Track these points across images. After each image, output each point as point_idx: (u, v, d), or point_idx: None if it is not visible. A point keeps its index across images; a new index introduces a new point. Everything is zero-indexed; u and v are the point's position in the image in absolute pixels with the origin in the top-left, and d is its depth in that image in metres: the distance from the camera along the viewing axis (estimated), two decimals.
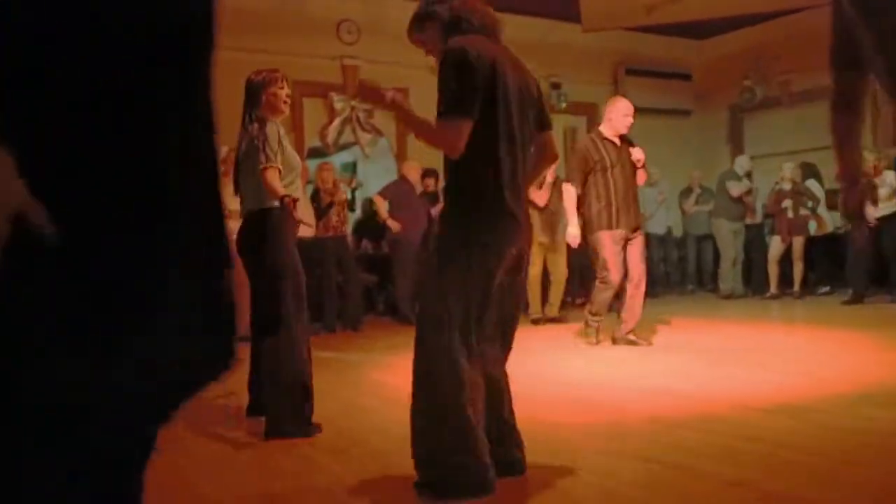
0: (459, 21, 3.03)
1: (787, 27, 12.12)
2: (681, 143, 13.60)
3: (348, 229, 9.50)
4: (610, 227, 6.37)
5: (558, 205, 7.94)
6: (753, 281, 11.61)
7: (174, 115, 0.89)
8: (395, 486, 3.00)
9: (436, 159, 10.27)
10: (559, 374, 5.51)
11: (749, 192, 11.14)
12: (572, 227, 6.79)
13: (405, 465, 3.05)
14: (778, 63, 12.53)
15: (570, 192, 6.69)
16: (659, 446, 3.42)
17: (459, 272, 2.74)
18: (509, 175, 2.83)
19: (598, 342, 6.65)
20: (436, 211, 9.74)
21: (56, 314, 0.80)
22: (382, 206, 9.19)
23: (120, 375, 0.85)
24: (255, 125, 4.03)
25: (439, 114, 2.79)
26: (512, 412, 3.03)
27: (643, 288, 6.54)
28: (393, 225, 9.06)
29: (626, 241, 6.45)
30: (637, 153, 6.51)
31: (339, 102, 10.47)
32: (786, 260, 10.85)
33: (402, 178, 9.63)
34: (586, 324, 6.77)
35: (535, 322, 8.64)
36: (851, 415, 3.96)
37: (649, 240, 12.09)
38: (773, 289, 10.88)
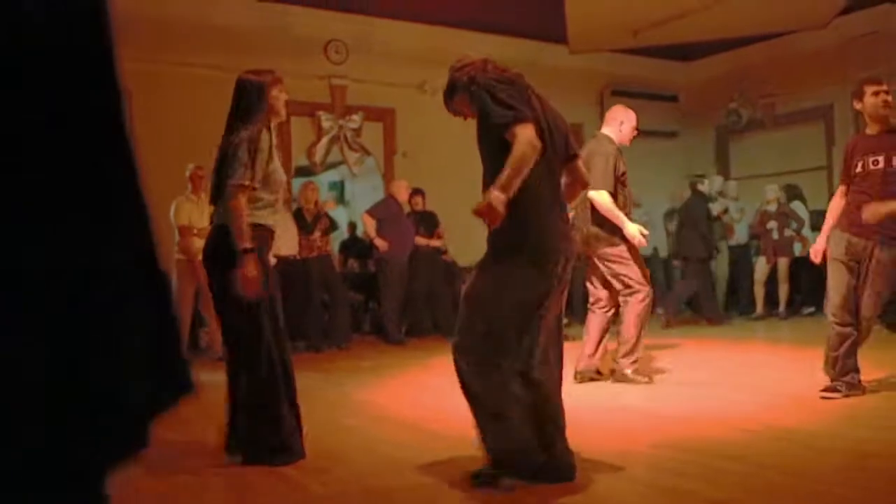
0: (473, 81, 3.32)
1: (772, 50, 12.24)
2: (667, 165, 13.68)
3: (333, 249, 9.50)
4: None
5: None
6: (739, 302, 11.66)
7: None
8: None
9: (423, 179, 10.32)
10: None
11: (725, 211, 11.20)
12: (632, 226, 5.77)
13: (388, 484, 3.05)
14: (762, 86, 12.65)
15: (606, 197, 5.76)
16: (640, 467, 3.42)
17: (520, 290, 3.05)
18: (553, 194, 3.16)
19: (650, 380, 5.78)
20: (437, 234, 9.75)
21: None
22: (371, 225, 9.20)
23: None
24: (250, 130, 3.67)
25: (505, 126, 2.93)
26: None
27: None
28: (380, 244, 9.07)
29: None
30: None
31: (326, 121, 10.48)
32: (771, 281, 10.90)
33: (391, 197, 9.64)
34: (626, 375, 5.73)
35: None
36: (835, 435, 3.98)
37: None
38: (759, 309, 10.92)
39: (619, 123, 6.08)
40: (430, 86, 11.88)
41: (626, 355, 5.71)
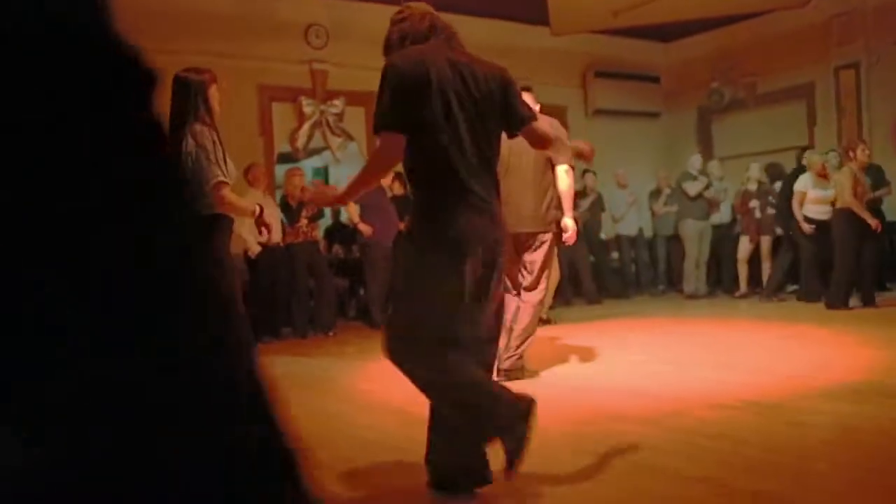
0: (404, 40, 3.09)
1: (753, 30, 12.27)
2: (650, 145, 13.71)
3: (319, 234, 9.48)
4: None
5: None
6: (723, 281, 11.74)
7: None
8: (356, 492, 2.99)
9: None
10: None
11: (707, 187, 11.26)
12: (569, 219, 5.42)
13: (370, 470, 3.06)
14: (744, 65, 12.68)
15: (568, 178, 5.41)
16: (622, 444, 3.44)
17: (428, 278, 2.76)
18: (467, 176, 2.78)
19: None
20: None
21: None
22: (354, 210, 9.17)
23: None
24: (201, 129, 3.84)
25: (374, 131, 2.87)
26: None
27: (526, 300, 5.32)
28: (364, 229, 9.05)
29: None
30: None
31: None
32: (754, 259, 10.97)
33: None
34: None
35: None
36: (815, 411, 4.01)
37: (621, 241, 12.21)
38: (742, 288, 10.99)
39: None
40: None
41: (519, 346, 5.25)
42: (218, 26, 9.55)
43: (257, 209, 3.94)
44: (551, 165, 5.39)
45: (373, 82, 11.03)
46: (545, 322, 8.47)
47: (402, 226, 9.56)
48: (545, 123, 6.03)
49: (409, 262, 2.80)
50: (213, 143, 3.85)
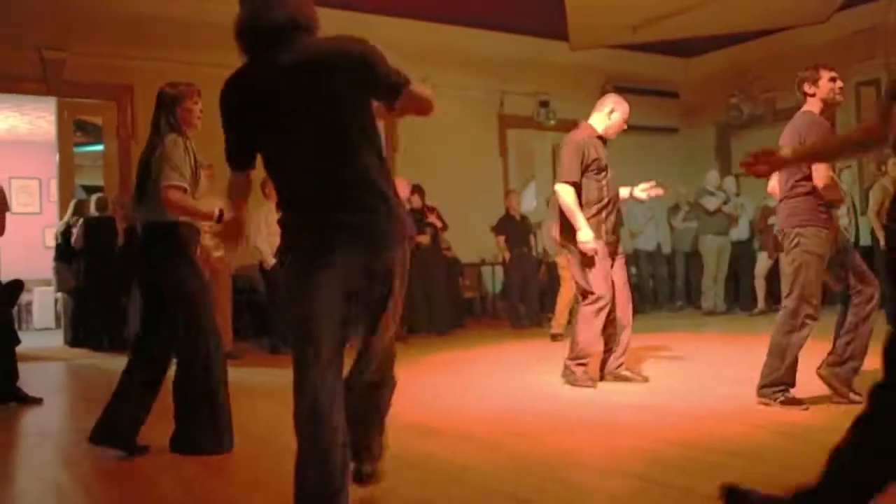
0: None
1: (772, 46, 12.23)
2: (668, 161, 13.68)
3: None
4: (599, 237, 5.47)
5: None
6: (741, 297, 11.67)
7: None
8: (357, 495, 2.98)
9: (423, 175, 10.30)
10: (541, 390, 5.51)
11: (725, 202, 11.23)
12: (585, 233, 5.40)
13: (383, 480, 3.06)
14: (763, 81, 12.64)
15: (567, 194, 5.49)
16: (641, 462, 3.43)
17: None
18: (304, 191, 2.56)
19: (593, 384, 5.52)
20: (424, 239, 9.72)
21: None
22: None
23: None
24: (174, 138, 3.92)
25: None
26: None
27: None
28: None
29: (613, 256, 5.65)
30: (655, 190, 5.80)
31: None
32: (773, 276, 10.90)
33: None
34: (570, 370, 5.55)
35: (555, 338, 8.44)
36: (834, 430, 3.97)
37: (639, 256, 12.17)
38: (760, 304, 10.93)
39: (609, 112, 5.68)
40: (431, 83, 11.90)
41: (572, 358, 5.52)
42: (230, 37, 9.60)
43: (216, 212, 3.80)
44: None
45: None
46: (556, 337, 8.45)
47: (418, 237, 9.56)
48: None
49: None
50: (184, 150, 3.90)
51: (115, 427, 3.89)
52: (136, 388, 3.93)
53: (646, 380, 5.59)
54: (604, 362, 5.70)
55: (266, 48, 2.66)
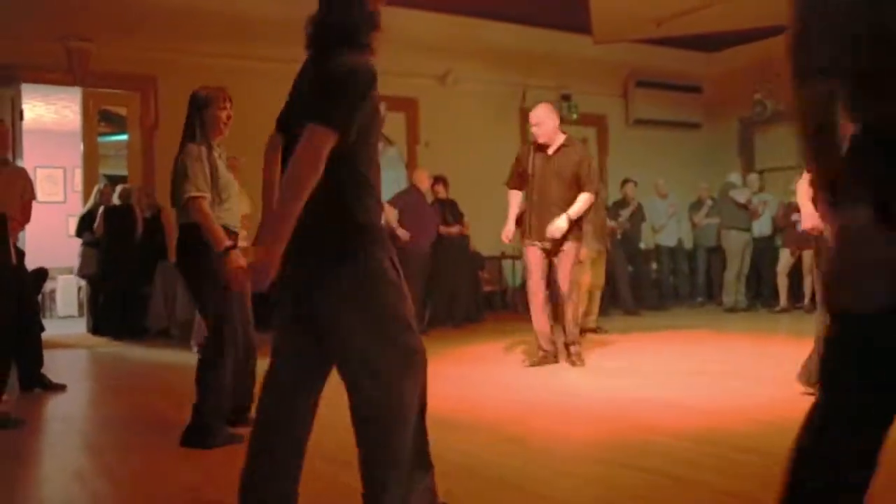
0: None
1: None
2: (690, 156, 13.62)
3: None
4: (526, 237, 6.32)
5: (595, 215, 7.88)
6: (763, 294, 11.61)
7: None
8: None
9: (445, 168, 10.30)
10: (559, 384, 5.53)
11: (750, 200, 11.18)
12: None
13: None
14: (788, 77, 12.52)
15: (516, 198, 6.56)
16: (657, 457, 3.43)
17: None
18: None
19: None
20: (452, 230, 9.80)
21: None
22: (392, 214, 9.21)
23: None
24: (190, 147, 3.97)
25: None
26: None
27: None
28: (402, 234, 9.08)
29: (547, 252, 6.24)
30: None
31: None
32: (796, 273, 10.84)
33: (413, 187, 9.65)
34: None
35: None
36: None
37: (660, 251, 12.12)
38: (782, 302, 10.87)
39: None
40: (453, 76, 11.91)
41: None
42: (260, 30, 9.66)
43: (227, 243, 3.82)
44: (577, 186, 6.16)
45: (414, 88, 11.18)
46: (593, 331, 8.47)
47: (442, 229, 9.62)
48: (576, 150, 6.21)
49: None
50: (200, 160, 3.92)
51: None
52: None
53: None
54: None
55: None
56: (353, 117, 2.48)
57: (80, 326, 10.33)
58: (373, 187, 2.58)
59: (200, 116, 4.03)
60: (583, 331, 8.54)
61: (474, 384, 5.70)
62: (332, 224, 2.45)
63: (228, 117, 4.09)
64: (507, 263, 12.19)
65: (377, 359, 2.43)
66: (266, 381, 2.54)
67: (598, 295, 8.82)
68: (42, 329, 6.15)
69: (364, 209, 2.50)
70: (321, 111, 2.42)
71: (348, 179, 2.50)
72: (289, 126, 2.62)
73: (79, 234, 9.90)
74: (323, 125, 2.39)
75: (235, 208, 4.15)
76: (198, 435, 3.89)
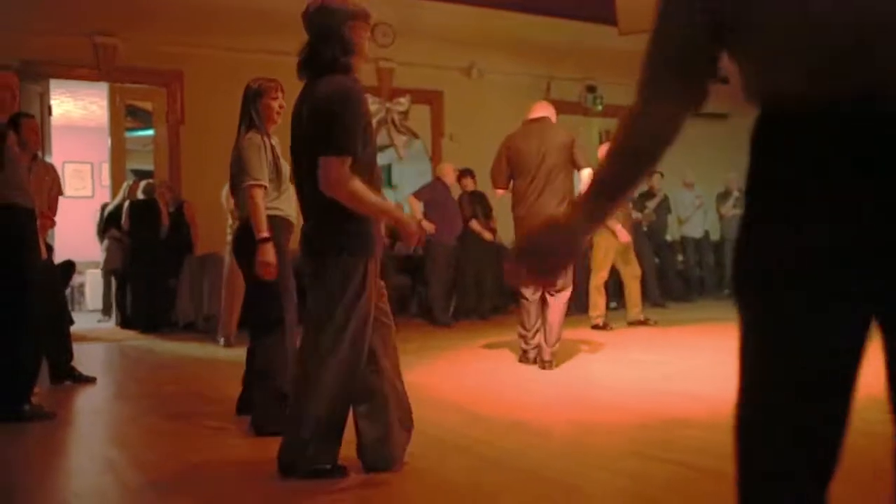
0: None
1: None
2: (717, 147, 13.46)
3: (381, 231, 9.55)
4: None
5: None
6: None
7: None
8: (419, 487, 3.00)
9: (470, 162, 10.27)
10: (585, 376, 5.50)
11: None
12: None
13: (430, 465, 3.08)
14: None
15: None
16: (686, 450, 3.40)
17: None
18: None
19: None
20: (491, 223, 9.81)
21: None
22: (417, 207, 9.22)
23: None
24: (251, 136, 4.08)
25: None
26: None
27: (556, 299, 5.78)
28: (427, 227, 9.07)
29: None
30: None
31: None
32: None
33: (438, 180, 9.65)
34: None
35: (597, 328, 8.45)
36: (873, 420, 3.91)
37: (686, 243, 12.03)
38: None
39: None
40: (478, 68, 11.88)
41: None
42: (282, 23, 9.63)
43: (265, 236, 3.93)
44: (572, 169, 5.97)
45: (438, 80, 11.14)
46: (643, 322, 8.45)
47: (472, 224, 9.62)
48: (561, 133, 6.13)
49: None
50: (259, 148, 4.04)
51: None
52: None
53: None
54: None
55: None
56: (356, 138, 2.98)
57: (109, 320, 10.43)
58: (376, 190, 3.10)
59: (254, 107, 4.13)
60: (633, 323, 8.56)
61: (500, 376, 5.69)
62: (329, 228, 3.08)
63: (280, 107, 4.19)
64: None
65: None
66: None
67: (636, 285, 8.77)
68: (72, 322, 6.21)
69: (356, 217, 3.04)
70: (329, 143, 2.94)
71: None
72: (300, 156, 3.14)
73: (101, 229, 9.96)
74: (334, 155, 2.94)
75: (294, 198, 4.11)
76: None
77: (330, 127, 2.94)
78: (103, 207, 10.46)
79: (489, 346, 7.27)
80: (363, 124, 3.02)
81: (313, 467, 3.03)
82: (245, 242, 4.07)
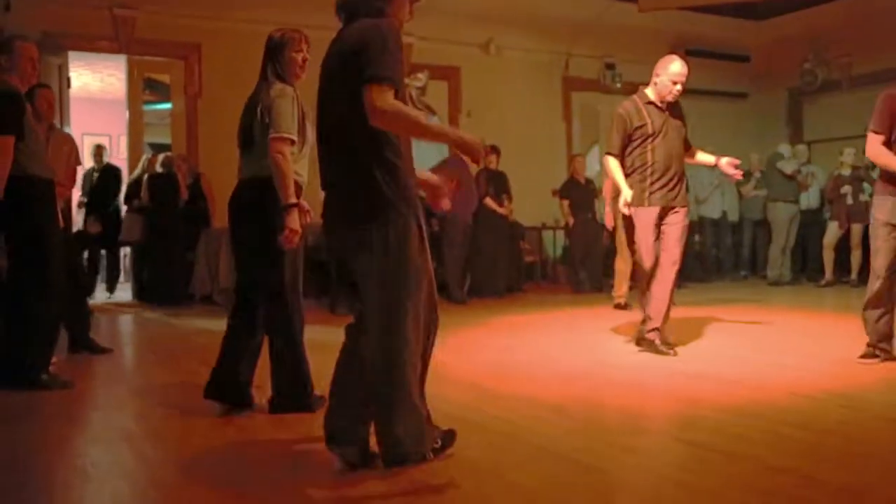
0: None
1: (849, 8, 11.82)
2: (737, 127, 13.38)
3: None
4: (641, 204, 5.42)
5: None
6: (808, 268, 11.43)
7: None
8: (431, 463, 3.01)
9: (488, 138, 10.23)
10: (601, 355, 5.49)
11: (799, 171, 10.96)
12: (623, 195, 5.43)
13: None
14: (839, 45, 12.24)
15: (609, 163, 5.61)
16: (705, 431, 3.39)
17: None
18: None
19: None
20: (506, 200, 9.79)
21: None
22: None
23: None
24: (275, 87, 3.74)
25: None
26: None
27: (669, 276, 5.48)
28: (444, 202, 9.03)
29: (661, 220, 5.46)
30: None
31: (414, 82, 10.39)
32: (843, 247, 10.65)
33: (455, 156, 9.60)
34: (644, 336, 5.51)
35: (618, 307, 8.30)
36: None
37: (703, 224, 11.95)
38: (827, 276, 10.69)
39: (655, 76, 5.71)
40: (496, 44, 11.80)
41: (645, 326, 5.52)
42: None
43: (292, 200, 3.62)
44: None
45: (456, 57, 11.08)
46: (623, 307, 8.32)
47: (487, 201, 9.59)
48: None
49: None
50: (293, 100, 3.74)
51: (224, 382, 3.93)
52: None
53: (675, 353, 5.32)
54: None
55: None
56: (398, 66, 2.73)
57: (126, 292, 10.48)
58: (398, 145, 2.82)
59: (277, 59, 3.81)
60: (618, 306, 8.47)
61: (515, 353, 5.69)
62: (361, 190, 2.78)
63: (304, 60, 3.85)
64: (547, 234, 12.12)
65: None
66: None
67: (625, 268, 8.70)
68: (89, 292, 6.24)
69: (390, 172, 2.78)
70: (371, 72, 2.65)
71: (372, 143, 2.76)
72: (331, 107, 2.86)
73: (126, 201, 10.01)
74: (377, 83, 2.64)
75: (307, 162, 3.88)
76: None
77: (368, 55, 2.66)
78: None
79: (503, 324, 7.27)
80: (401, 58, 2.76)
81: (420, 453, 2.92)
82: (253, 205, 3.75)
